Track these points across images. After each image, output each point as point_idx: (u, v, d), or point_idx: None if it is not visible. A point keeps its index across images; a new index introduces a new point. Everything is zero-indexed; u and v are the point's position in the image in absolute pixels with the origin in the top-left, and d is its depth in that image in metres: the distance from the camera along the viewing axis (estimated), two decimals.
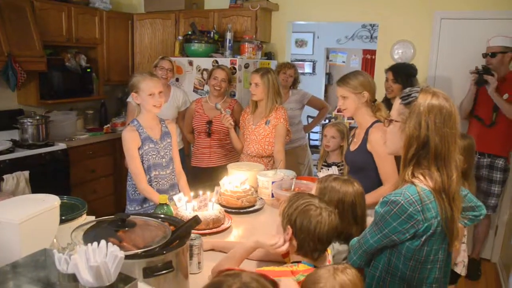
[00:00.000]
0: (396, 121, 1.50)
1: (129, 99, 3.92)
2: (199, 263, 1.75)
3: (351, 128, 3.19)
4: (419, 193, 1.40)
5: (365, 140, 2.40)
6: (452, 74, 3.81)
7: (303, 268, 1.45)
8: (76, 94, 4.50)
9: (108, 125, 4.79)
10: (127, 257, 1.14)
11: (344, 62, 9.28)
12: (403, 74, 3.54)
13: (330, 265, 1.24)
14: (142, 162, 2.56)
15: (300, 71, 5.41)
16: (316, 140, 7.72)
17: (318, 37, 8.74)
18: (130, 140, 2.52)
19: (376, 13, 4.29)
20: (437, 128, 1.40)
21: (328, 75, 9.43)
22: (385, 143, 1.60)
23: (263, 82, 3.16)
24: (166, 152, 2.67)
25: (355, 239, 1.62)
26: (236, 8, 4.64)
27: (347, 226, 1.74)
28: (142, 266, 1.31)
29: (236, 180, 2.61)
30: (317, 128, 7.74)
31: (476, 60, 3.60)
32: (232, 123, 3.29)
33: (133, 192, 2.65)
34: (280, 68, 4.11)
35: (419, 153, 1.42)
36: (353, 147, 2.53)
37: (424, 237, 1.41)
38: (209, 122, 3.56)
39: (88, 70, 4.58)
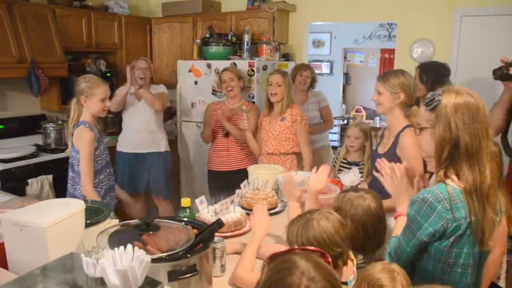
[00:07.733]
0: (426, 128, 1.50)
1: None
2: (222, 266, 1.75)
3: (373, 128, 3.12)
4: (449, 192, 1.38)
5: (395, 144, 2.33)
6: (475, 74, 3.71)
7: None
8: None
9: None
10: (151, 260, 1.15)
11: (362, 61, 9.20)
12: (430, 73, 3.20)
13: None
14: (96, 163, 2.69)
15: (317, 71, 5.36)
16: (335, 141, 7.66)
17: (335, 37, 8.69)
18: (91, 143, 2.63)
19: (394, 11, 4.23)
20: (466, 126, 1.38)
21: (346, 75, 9.36)
22: (420, 146, 1.60)
23: (283, 81, 3.22)
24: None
25: (390, 249, 1.58)
26: (253, 10, 4.64)
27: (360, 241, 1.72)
28: (167, 269, 1.32)
29: (257, 182, 2.60)
30: (335, 129, 7.68)
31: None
32: (246, 125, 3.32)
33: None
34: (296, 71, 4.05)
35: (451, 155, 1.41)
36: (381, 150, 2.44)
37: (452, 238, 1.39)
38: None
39: (108, 74, 4.63)
